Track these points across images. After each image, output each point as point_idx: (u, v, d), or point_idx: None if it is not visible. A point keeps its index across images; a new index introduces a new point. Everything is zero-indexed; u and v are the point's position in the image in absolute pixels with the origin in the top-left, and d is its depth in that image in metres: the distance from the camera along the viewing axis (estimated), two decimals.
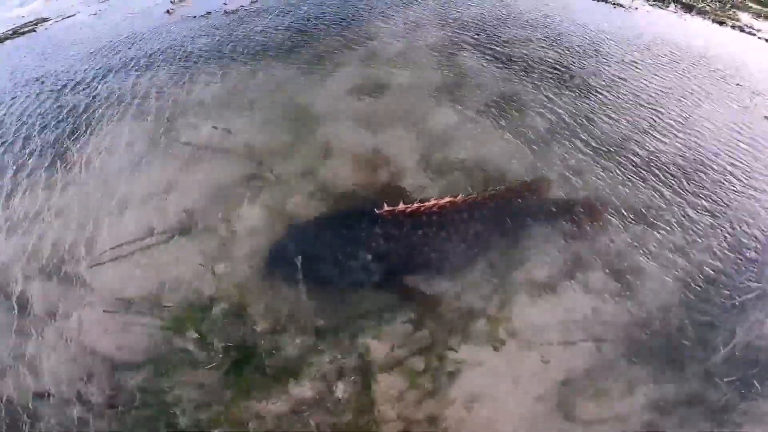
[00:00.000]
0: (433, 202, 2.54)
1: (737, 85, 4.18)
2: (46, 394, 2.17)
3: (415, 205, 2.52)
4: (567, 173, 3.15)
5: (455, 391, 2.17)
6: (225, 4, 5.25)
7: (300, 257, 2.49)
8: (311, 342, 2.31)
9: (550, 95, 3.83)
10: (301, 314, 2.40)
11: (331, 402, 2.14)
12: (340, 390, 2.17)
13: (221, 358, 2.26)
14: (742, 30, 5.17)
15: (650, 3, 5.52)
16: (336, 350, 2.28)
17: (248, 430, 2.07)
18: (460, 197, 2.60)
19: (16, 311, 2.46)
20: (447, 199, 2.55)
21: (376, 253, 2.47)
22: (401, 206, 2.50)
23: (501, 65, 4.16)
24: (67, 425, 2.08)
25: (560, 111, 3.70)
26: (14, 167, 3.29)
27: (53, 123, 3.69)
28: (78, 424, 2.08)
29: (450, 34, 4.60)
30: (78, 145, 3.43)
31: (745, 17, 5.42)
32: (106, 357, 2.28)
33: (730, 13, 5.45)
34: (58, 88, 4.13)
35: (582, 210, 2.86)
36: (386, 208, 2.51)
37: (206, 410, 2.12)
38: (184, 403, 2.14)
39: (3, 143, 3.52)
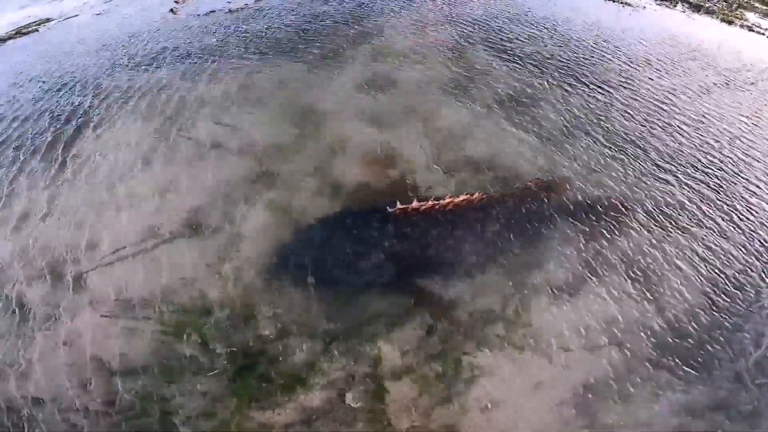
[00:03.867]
0: (448, 200, 2.45)
1: (751, 83, 4.10)
2: (41, 400, 2.08)
3: (430, 203, 2.42)
4: (583, 172, 3.06)
5: (471, 398, 2.06)
6: (229, 2, 5.23)
7: (308, 258, 2.37)
8: (320, 348, 2.20)
9: (563, 93, 3.75)
10: (310, 318, 2.29)
11: (342, 411, 2.02)
12: (351, 398, 2.05)
13: (225, 365, 2.14)
14: (750, 29, 5.13)
15: (658, 3, 5.48)
16: (346, 356, 2.17)
17: None
18: (476, 196, 2.50)
19: (11, 315, 2.36)
20: (463, 197, 2.45)
21: (388, 254, 2.37)
22: (415, 204, 2.40)
23: (511, 62, 4.08)
24: None
25: (574, 108, 3.61)
26: (20, 167, 3.21)
27: (58, 123, 3.60)
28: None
29: (458, 30, 4.54)
30: (79, 144, 3.35)
31: (752, 17, 5.39)
32: (105, 362, 2.18)
33: (737, 12, 5.42)
34: (59, 87, 4.06)
35: (600, 209, 2.75)
36: (399, 206, 2.41)
37: (209, 419, 2.00)
38: (186, 411, 2.02)
39: (8, 143, 3.44)
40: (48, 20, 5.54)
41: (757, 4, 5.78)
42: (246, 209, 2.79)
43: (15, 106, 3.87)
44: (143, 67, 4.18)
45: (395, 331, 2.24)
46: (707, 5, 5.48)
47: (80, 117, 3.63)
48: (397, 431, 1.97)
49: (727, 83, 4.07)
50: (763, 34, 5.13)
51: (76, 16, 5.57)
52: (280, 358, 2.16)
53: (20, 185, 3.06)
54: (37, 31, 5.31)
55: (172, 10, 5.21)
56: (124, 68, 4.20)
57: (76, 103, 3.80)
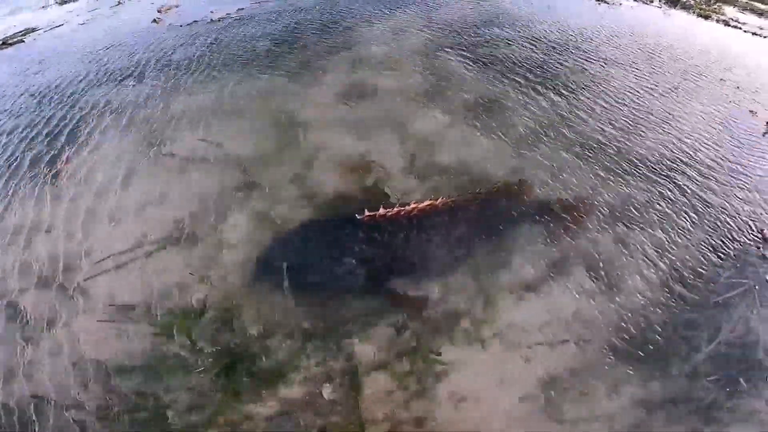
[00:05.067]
0: (413, 205, 2.58)
1: (721, 80, 4.21)
2: (45, 400, 2.22)
3: (395, 209, 2.56)
4: (549, 174, 3.20)
5: (442, 391, 2.21)
6: (211, 12, 5.29)
7: (286, 264, 2.54)
8: (299, 345, 2.37)
9: (533, 96, 3.88)
10: (289, 319, 2.46)
11: (319, 403, 2.19)
12: (328, 392, 2.22)
13: (212, 362, 2.31)
14: (726, 24, 5.19)
15: None
16: (323, 353, 2.34)
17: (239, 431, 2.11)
18: (440, 200, 2.64)
19: (14, 321, 2.51)
20: (427, 203, 2.59)
21: (360, 258, 2.53)
22: (381, 211, 2.54)
23: (484, 67, 4.20)
24: (65, 429, 2.13)
25: (542, 111, 3.74)
26: (9, 182, 3.31)
27: (44, 136, 3.71)
28: (74, 428, 2.13)
29: (433, 36, 4.65)
30: (68, 158, 3.46)
31: (730, 11, 5.43)
32: (102, 363, 2.34)
33: (715, 7, 5.47)
34: (45, 100, 4.15)
35: (564, 210, 2.91)
36: (367, 213, 2.55)
37: (198, 412, 2.17)
38: (176, 405, 2.19)
39: None
40: (34, 29, 5.58)
41: None
42: (229, 218, 2.94)
43: (3, 120, 3.96)
44: (127, 79, 4.27)
45: (369, 330, 2.40)
46: (684, 0, 5.53)
47: (67, 131, 3.72)
48: (372, 422, 2.13)
49: (694, 80, 4.17)
50: (740, 28, 5.17)
51: (61, 25, 5.60)
52: (262, 356, 2.32)
53: (11, 200, 3.18)
54: (23, 41, 5.36)
55: (155, 21, 5.26)
56: (109, 81, 4.29)
57: (62, 118, 3.89)
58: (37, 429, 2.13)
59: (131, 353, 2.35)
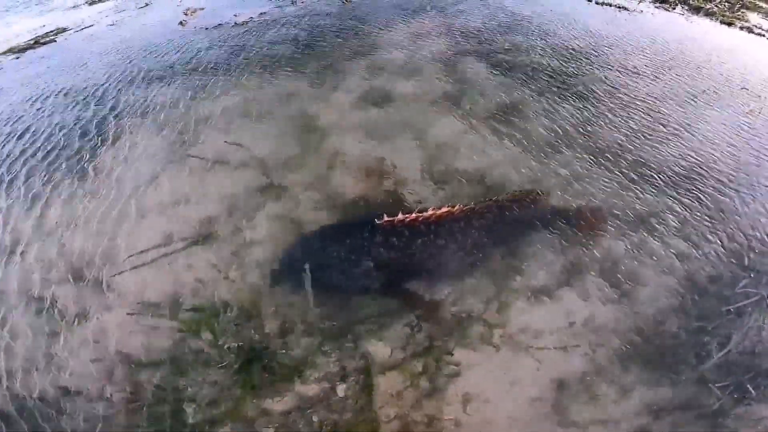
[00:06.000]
0: (431, 212, 2.64)
1: (742, 88, 4.15)
2: (72, 391, 2.32)
3: (413, 215, 2.62)
4: (566, 181, 3.22)
5: (452, 392, 2.27)
6: (235, 15, 5.43)
7: (307, 265, 2.63)
8: (316, 344, 2.44)
9: (552, 103, 3.90)
10: (307, 318, 2.54)
11: (334, 401, 2.26)
12: (343, 389, 2.29)
13: (233, 358, 2.40)
14: (750, 31, 5.10)
15: (656, 5, 5.48)
16: (339, 352, 2.41)
17: (255, 427, 2.20)
18: (457, 207, 2.69)
19: (45, 314, 2.63)
20: (445, 209, 2.64)
21: (377, 261, 2.59)
22: (400, 216, 2.60)
23: (503, 74, 4.23)
24: (91, 420, 2.23)
25: (561, 119, 3.76)
26: (39, 179, 3.47)
27: (75, 135, 3.87)
28: (100, 420, 2.23)
29: (453, 43, 4.69)
30: (99, 157, 3.61)
31: (754, 18, 5.34)
32: (128, 356, 2.44)
33: (739, 14, 5.37)
34: (78, 100, 4.32)
35: (580, 218, 2.93)
36: (386, 218, 2.61)
37: (217, 407, 2.26)
38: (197, 399, 2.28)
39: (27, 155, 3.71)
40: (65, 29, 5.79)
41: (761, 4, 5.69)
42: (252, 219, 3.04)
43: (38, 119, 4.14)
44: (154, 81, 4.42)
45: (383, 331, 2.47)
46: (707, 7, 5.44)
47: (98, 132, 3.88)
48: (383, 420, 2.19)
49: (715, 88, 4.13)
50: (763, 35, 5.08)
51: (90, 26, 5.81)
52: (280, 353, 2.41)
53: (49, 196, 3.33)
54: (55, 41, 5.57)
55: (181, 23, 5.42)
56: (137, 82, 4.45)
57: (94, 118, 4.05)
58: (64, 419, 2.21)
59: (156, 347, 2.45)
